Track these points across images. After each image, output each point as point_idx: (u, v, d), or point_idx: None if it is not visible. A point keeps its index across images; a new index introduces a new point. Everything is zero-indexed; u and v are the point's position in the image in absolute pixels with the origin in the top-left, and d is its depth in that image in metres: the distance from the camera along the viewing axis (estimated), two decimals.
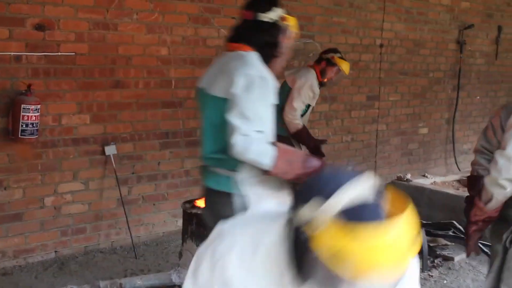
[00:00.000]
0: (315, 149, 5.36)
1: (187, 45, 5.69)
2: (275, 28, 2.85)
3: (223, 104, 2.68)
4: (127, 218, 5.31)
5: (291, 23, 2.91)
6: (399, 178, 6.64)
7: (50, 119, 4.97)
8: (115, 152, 5.29)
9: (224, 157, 2.72)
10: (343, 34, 7.10)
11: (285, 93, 5.20)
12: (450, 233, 5.38)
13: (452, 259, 5.28)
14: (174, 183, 5.81)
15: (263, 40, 2.82)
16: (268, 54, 2.84)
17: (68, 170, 5.12)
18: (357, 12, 7.20)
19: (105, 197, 5.35)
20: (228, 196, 2.73)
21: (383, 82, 7.64)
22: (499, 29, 9.19)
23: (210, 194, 2.92)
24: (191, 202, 4.06)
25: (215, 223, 1.84)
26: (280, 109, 5.21)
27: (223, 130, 2.68)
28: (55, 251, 5.13)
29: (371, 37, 7.40)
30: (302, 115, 5.40)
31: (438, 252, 5.35)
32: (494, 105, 9.40)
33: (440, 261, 5.24)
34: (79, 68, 5.07)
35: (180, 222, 5.66)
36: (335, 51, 5.57)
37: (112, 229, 5.44)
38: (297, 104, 5.29)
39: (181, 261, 3.96)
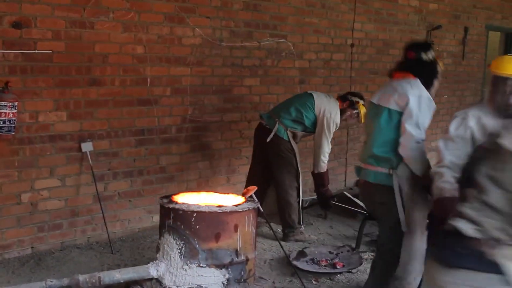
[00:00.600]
0: (326, 197, 5.98)
1: (162, 44, 5.78)
2: (432, 64, 3.99)
3: (396, 115, 3.78)
4: (103, 214, 5.37)
5: (440, 64, 4.10)
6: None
7: (27, 116, 5.01)
8: (92, 149, 5.36)
9: (388, 157, 3.78)
10: (315, 34, 7.25)
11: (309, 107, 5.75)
12: None
13: None
14: (149, 180, 5.89)
15: (423, 72, 3.92)
16: (428, 82, 3.92)
17: (44, 167, 5.17)
18: (329, 12, 7.37)
19: (81, 193, 5.41)
20: (384, 188, 3.80)
21: (354, 81, 7.83)
22: (466, 30, 9.47)
23: (368, 187, 3.97)
24: (168, 197, 4.16)
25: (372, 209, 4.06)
26: (297, 118, 5.71)
27: (390, 135, 3.79)
28: (32, 247, 5.17)
29: (342, 37, 7.58)
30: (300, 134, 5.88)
31: None
32: (461, 104, 9.66)
33: None
34: (56, 66, 5.12)
35: (155, 218, 5.79)
36: (361, 97, 5.91)
37: (88, 225, 5.50)
38: (327, 140, 5.74)
39: (159, 254, 4.05)
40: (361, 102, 5.81)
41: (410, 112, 3.69)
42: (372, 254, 5.37)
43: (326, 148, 5.75)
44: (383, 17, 8.09)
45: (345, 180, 8.03)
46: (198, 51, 6.10)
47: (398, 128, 3.75)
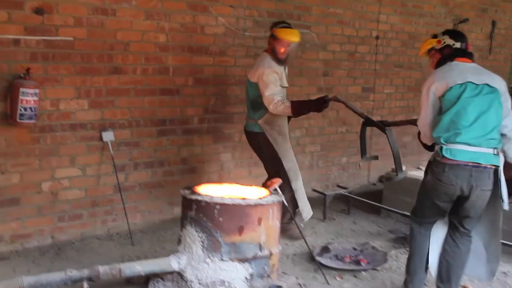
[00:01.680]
0: (319, 104, 5.21)
1: (185, 33, 5.67)
2: None
3: (498, 95, 3.79)
4: (124, 205, 5.30)
5: None
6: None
7: (48, 104, 4.95)
8: (113, 139, 5.28)
9: (497, 137, 3.80)
10: (340, 25, 7.11)
11: (253, 89, 5.21)
12: None
13: None
14: (170, 171, 5.81)
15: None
16: None
17: (65, 156, 5.10)
18: (354, 3, 7.21)
19: (102, 183, 5.34)
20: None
21: (378, 74, 7.67)
22: (493, 24, 9.24)
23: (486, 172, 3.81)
24: (191, 188, 4.06)
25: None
26: (253, 105, 5.25)
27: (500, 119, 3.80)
28: (52, 237, 5.12)
29: (367, 29, 7.42)
30: None
31: None
32: None
33: None
34: (78, 53, 5.05)
35: (176, 210, 5.70)
36: (276, 24, 5.23)
37: (108, 215, 5.44)
38: (271, 92, 5.06)
39: (180, 247, 3.95)
40: (278, 27, 5.14)
41: (504, 95, 3.89)
42: (397, 251, 5.25)
43: (271, 98, 5.05)
44: (409, 9, 7.91)
45: (368, 175, 7.89)
46: (221, 40, 6.00)
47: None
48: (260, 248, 3.81)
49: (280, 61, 5.18)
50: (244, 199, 3.80)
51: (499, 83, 3.82)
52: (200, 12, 5.76)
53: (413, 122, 4.46)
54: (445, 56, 3.98)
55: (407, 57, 8.00)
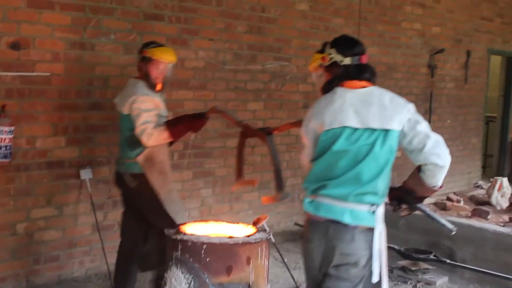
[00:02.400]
0: (197, 118, 4.50)
1: None
2: None
3: (385, 135, 2.86)
4: (102, 245, 5.11)
5: None
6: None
7: (24, 142, 4.78)
8: (91, 176, 5.12)
9: (377, 190, 2.90)
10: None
11: (127, 122, 4.31)
12: (431, 256, 5.35)
13: (434, 283, 5.24)
14: None
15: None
16: None
17: (41, 195, 4.92)
18: (333, 35, 7.13)
19: (79, 223, 5.16)
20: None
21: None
22: (468, 53, 9.36)
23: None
24: (175, 227, 3.92)
25: None
26: (130, 142, 4.32)
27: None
28: (27, 280, 4.90)
29: None
30: None
31: (419, 277, 5.30)
32: (463, 129, 9.53)
33: (422, 286, 5.20)
34: (55, 88, 4.92)
35: None
36: (146, 45, 4.43)
37: (86, 256, 5.24)
38: (143, 120, 4.18)
39: None
40: (149, 47, 4.36)
41: (414, 126, 3.04)
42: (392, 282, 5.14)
43: (144, 119, 4.18)
44: (386, 40, 7.96)
45: None
46: (201, 74, 5.92)
47: None
48: None
49: (154, 87, 4.36)
50: (231, 237, 3.67)
51: (396, 115, 2.85)
52: (180, 46, 5.68)
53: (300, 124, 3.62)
54: (331, 79, 3.02)
55: (385, 88, 7.99)
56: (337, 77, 2.99)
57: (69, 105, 5.01)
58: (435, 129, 8.97)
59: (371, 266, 2.88)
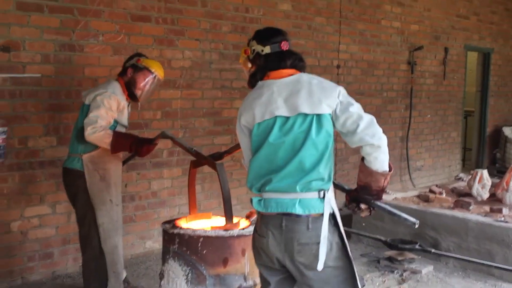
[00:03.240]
0: (143, 143, 4.25)
1: None
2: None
3: (318, 120, 2.79)
4: None
5: None
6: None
7: (16, 142, 4.86)
8: None
9: (322, 176, 2.83)
10: (302, 55, 7.21)
11: (85, 114, 4.15)
12: (417, 246, 5.51)
13: (419, 272, 5.40)
14: (141, 205, 5.75)
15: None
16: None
17: (34, 194, 5.00)
18: (315, 34, 7.36)
19: (72, 220, 5.19)
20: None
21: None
22: (446, 50, 9.58)
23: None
24: (171, 222, 4.02)
25: None
26: (79, 135, 4.14)
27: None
28: (22, 277, 4.97)
29: (329, 58, 7.57)
30: None
31: (405, 266, 5.46)
32: (443, 123, 9.74)
33: (408, 275, 5.35)
34: (45, 90, 4.99)
35: (148, 244, 5.65)
36: (140, 54, 4.46)
37: (79, 253, 5.27)
38: (98, 114, 4.05)
39: (163, 282, 3.89)
40: (143, 57, 4.38)
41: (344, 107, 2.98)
42: (372, 274, 5.29)
43: (93, 121, 4.03)
44: (367, 38, 8.13)
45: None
46: (188, 73, 6.02)
47: None
48: (245, 279, 3.79)
49: (134, 97, 4.31)
50: (227, 230, 3.79)
51: (325, 98, 2.78)
52: (167, 46, 5.79)
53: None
54: (255, 71, 2.97)
55: (367, 85, 8.19)
56: (260, 68, 2.94)
57: (59, 106, 5.09)
58: (416, 124, 9.19)
59: (337, 251, 2.83)
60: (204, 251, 3.69)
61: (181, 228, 3.84)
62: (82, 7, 5.15)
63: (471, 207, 5.85)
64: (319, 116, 2.78)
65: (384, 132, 2.80)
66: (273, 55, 2.93)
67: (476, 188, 6.31)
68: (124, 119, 4.31)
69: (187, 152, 4.13)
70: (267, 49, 2.93)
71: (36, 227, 5.02)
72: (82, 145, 4.17)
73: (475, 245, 5.46)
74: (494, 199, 6.22)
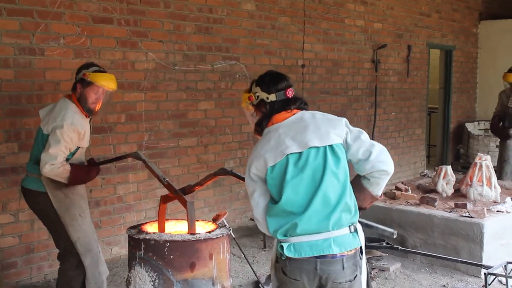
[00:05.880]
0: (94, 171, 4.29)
1: (115, 69, 5.60)
2: None
3: (330, 150, 2.80)
4: None
5: None
6: None
7: None
8: None
9: (349, 208, 2.84)
10: (267, 55, 7.23)
11: (43, 139, 4.05)
12: (384, 244, 5.55)
13: (387, 269, 5.44)
14: (107, 210, 5.66)
15: None
16: None
17: None
18: (279, 34, 7.36)
19: (36, 228, 5.13)
20: None
21: (306, 101, 7.81)
22: (409, 48, 9.68)
23: None
24: (137, 227, 3.96)
25: None
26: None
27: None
28: None
29: (293, 58, 7.58)
30: (67, 159, 4.06)
31: (374, 264, 5.50)
32: (408, 120, 9.85)
33: (376, 272, 5.39)
34: (5, 95, 4.89)
35: (114, 250, 5.58)
36: (87, 66, 4.20)
37: (45, 261, 5.22)
38: (57, 150, 3.95)
39: None
40: (90, 70, 4.14)
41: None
42: None
43: (53, 157, 3.93)
44: (331, 37, 8.16)
45: None
46: (152, 75, 5.96)
47: None
48: (213, 283, 3.76)
49: (90, 112, 4.16)
50: (193, 234, 3.75)
51: (333, 129, 2.80)
52: (130, 49, 5.72)
53: (222, 173, 3.87)
54: (261, 119, 2.95)
55: (332, 83, 8.22)
56: (266, 115, 2.93)
57: (20, 111, 4.98)
58: (381, 121, 9.25)
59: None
60: (171, 256, 3.65)
61: (146, 233, 3.79)
62: (42, 9, 5.05)
63: (436, 203, 5.91)
64: (331, 146, 2.79)
65: None
66: (278, 102, 2.91)
67: (441, 184, 6.38)
68: (86, 142, 4.20)
69: (158, 181, 4.03)
70: (272, 97, 2.91)
71: None
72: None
73: (441, 241, 5.52)
74: (459, 194, 6.30)
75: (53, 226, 4.18)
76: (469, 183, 6.20)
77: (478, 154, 6.47)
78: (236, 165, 6.95)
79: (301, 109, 2.96)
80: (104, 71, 4.22)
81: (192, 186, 4.01)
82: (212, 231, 3.86)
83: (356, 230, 2.82)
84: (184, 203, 3.75)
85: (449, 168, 6.51)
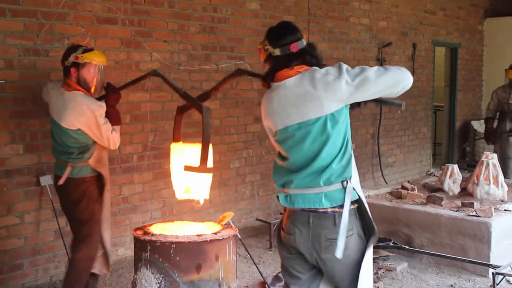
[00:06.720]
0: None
1: (120, 70, 5.59)
2: None
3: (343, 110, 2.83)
4: (66, 251, 5.08)
5: None
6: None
7: None
8: (51, 182, 5.06)
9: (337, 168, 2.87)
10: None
11: (75, 137, 4.24)
12: (391, 244, 5.53)
13: (394, 269, 5.41)
14: (112, 211, 5.61)
15: None
16: None
17: (1, 204, 4.87)
18: None
19: (42, 230, 5.12)
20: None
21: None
22: (414, 46, 9.64)
23: None
24: (143, 228, 3.95)
25: None
26: (79, 150, 4.24)
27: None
28: None
29: None
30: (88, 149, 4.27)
31: (380, 264, 5.47)
32: (414, 119, 9.81)
33: (383, 272, 5.36)
34: (10, 96, 4.88)
35: (120, 251, 5.57)
36: (74, 49, 4.21)
37: (50, 263, 5.21)
38: (106, 131, 4.22)
39: None
40: (78, 52, 4.17)
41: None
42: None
43: (107, 129, 4.23)
44: (336, 36, 8.13)
45: None
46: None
47: None
48: (219, 284, 3.75)
49: (92, 90, 4.27)
50: (199, 235, 3.73)
51: (332, 95, 2.75)
52: (134, 49, 5.70)
53: (238, 73, 3.90)
54: (267, 73, 2.98)
55: None
56: (271, 70, 2.93)
57: (25, 112, 4.97)
58: (386, 120, 9.19)
59: (358, 242, 2.88)
60: (177, 258, 3.64)
61: (152, 234, 3.77)
62: (46, 10, 5.04)
63: (443, 202, 5.88)
64: (332, 114, 2.78)
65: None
66: (282, 57, 2.89)
67: (448, 183, 6.35)
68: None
69: (176, 92, 4.04)
70: (277, 52, 2.89)
71: (4, 238, 4.89)
72: (85, 154, 4.25)
73: (448, 240, 5.48)
74: (465, 193, 6.27)
75: (88, 211, 4.27)
76: (476, 181, 6.16)
77: (484, 152, 6.43)
78: (241, 165, 6.93)
79: (306, 63, 2.90)
80: (91, 49, 4.31)
81: (208, 92, 3.87)
82: (218, 232, 3.85)
83: (346, 186, 2.81)
84: (200, 108, 3.66)
85: (456, 166, 6.48)
